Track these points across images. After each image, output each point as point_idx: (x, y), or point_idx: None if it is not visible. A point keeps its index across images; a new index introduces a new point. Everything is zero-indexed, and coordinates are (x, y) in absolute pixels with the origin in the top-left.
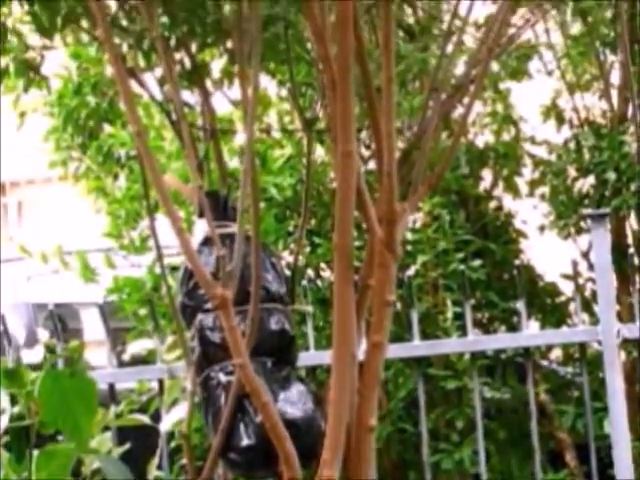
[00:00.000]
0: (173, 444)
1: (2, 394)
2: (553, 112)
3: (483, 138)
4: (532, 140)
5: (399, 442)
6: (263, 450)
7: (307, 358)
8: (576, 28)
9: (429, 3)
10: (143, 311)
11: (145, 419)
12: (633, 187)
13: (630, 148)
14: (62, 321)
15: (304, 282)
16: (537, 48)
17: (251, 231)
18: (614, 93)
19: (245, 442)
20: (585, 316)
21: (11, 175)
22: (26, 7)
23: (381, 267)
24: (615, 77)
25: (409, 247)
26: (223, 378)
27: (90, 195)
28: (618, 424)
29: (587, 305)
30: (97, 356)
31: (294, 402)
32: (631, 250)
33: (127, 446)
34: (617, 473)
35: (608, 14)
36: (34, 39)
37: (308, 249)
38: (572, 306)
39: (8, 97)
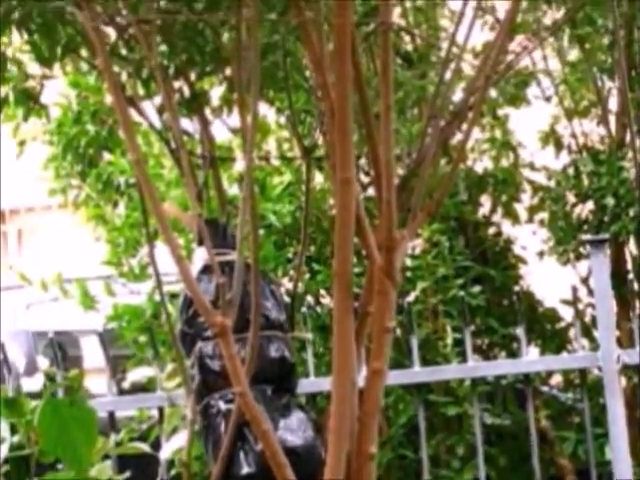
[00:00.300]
0: (173, 472)
1: (2, 423)
2: (552, 138)
3: (482, 164)
4: (531, 166)
5: (400, 469)
6: (263, 478)
7: (307, 385)
8: (574, 55)
9: (427, 31)
10: (143, 339)
11: (145, 447)
12: (632, 213)
13: (629, 174)
14: (62, 349)
15: (304, 309)
16: (535, 75)
17: (250, 258)
18: (612, 119)
19: (245, 470)
20: (585, 342)
21: (11, 203)
22: (26, 36)
23: (380, 294)
24: (613, 103)
25: (409, 273)
26: (223, 406)
27: (90, 223)
28: (619, 450)
29: (587, 331)
30: (97, 384)
31: (294, 430)
32: (630, 276)
33: (127, 474)
34: None
35: (605, 41)
36: (34, 68)
37: (307, 276)
38: (572, 332)
39: (8, 126)
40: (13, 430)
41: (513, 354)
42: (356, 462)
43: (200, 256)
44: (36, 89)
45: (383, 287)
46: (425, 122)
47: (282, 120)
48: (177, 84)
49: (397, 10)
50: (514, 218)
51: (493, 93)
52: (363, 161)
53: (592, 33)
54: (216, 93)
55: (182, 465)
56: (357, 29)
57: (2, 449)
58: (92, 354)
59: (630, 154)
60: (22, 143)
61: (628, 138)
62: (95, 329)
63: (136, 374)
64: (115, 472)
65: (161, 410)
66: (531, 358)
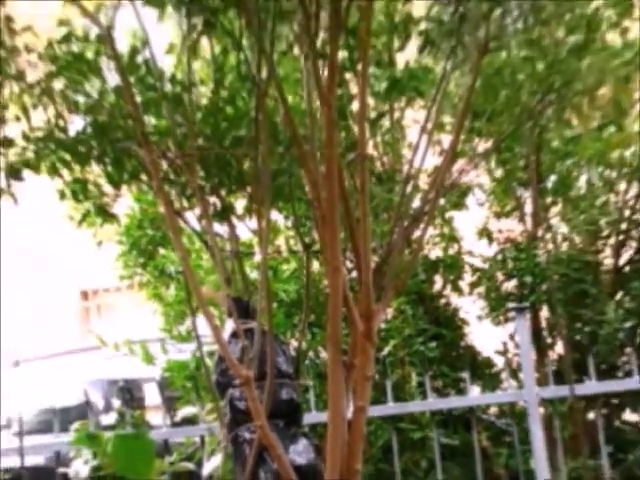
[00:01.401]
0: None
1: (86, 451)
2: (485, 233)
3: (435, 253)
4: (470, 253)
5: (378, 479)
6: None
7: (310, 418)
8: (499, 173)
9: (392, 158)
10: (189, 385)
11: (191, 466)
12: (544, 287)
13: (541, 258)
14: (130, 392)
15: (306, 362)
16: (472, 188)
17: (266, 326)
18: (528, 219)
19: None
20: (513, 382)
21: (92, 285)
22: (102, 167)
23: (362, 352)
24: (528, 207)
25: (383, 334)
26: (248, 436)
27: (149, 300)
28: (540, 461)
29: (514, 374)
30: (155, 418)
31: (300, 453)
32: (545, 333)
33: None
34: None
35: (521, 163)
36: (108, 189)
37: (309, 337)
38: (504, 375)
39: (90, 230)
40: (94, 456)
41: (461, 392)
42: (347, 476)
43: (229, 325)
44: (109, 204)
45: (364, 346)
46: (392, 223)
47: (288, 223)
48: (212, 199)
49: (370, 143)
50: (459, 292)
51: (442, 201)
52: (348, 253)
53: (512, 157)
54: (240, 205)
55: None
56: (342, 158)
57: (86, 469)
58: (152, 396)
59: (542, 244)
60: (100, 243)
61: (540, 233)
62: (154, 377)
63: (184, 411)
64: None
65: (203, 438)
66: (474, 395)
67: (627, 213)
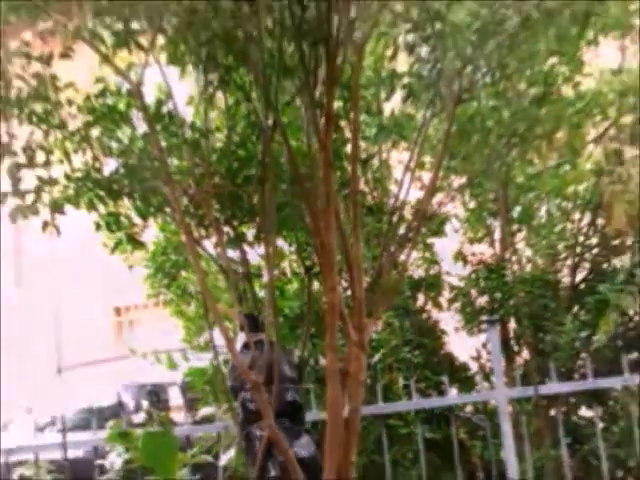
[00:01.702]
0: (227, 475)
1: (120, 446)
2: (460, 256)
3: (418, 273)
4: (448, 274)
5: (371, 469)
6: (284, 479)
7: (311, 416)
8: (472, 204)
9: (381, 192)
10: (207, 388)
11: (209, 458)
12: (511, 302)
13: (509, 278)
14: (157, 395)
15: (308, 368)
16: (449, 217)
17: (273, 337)
18: (497, 244)
19: (273, 473)
20: (486, 384)
21: (125, 302)
22: (131, 202)
23: (356, 359)
24: (497, 234)
25: (374, 343)
26: (258, 433)
27: (173, 316)
28: (509, 452)
29: (487, 377)
30: (178, 417)
31: (303, 447)
32: (512, 341)
33: (198, 477)
34: None
35: (491, 196)
36: (137, 220)
37: (310, 347)
38: (477, 378)
39: (122, 256)
40: (126, 450)
41: (441, 393)
42: (343, 467)
43: (241, 337)
44: (138, 233)
45: (357, 355)
46: (381, 248)
47: (292, 249)
48: (226, 229)
49: (362, 180)
50: (439, 307)
51: (423, 229)
52: (343, 274)
53: (483, 191)
54: (250, 234)
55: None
56: (338, 193)
57: (119, 462)
58: (175, 397)
59: (509, 266)
60: (131, 266)
61: (507, 256)
62: (177, 382)
63: (203, 411)
64: (191, 475)
65: (219, 434)
66: (452, 395)
67: (581, 239)
